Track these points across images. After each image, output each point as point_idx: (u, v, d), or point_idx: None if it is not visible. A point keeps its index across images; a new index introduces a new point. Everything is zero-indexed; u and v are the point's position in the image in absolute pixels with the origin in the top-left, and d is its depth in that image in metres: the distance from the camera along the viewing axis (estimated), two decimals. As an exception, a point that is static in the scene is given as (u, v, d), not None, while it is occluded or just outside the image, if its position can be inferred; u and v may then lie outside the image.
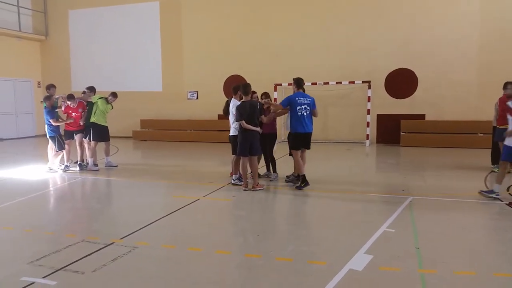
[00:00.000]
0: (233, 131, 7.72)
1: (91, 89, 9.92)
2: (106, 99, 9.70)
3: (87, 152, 9.66)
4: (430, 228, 5.19)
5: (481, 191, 6.73)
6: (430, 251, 4.36)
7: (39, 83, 18.58)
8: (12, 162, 11.06)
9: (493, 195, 6.48)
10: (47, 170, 9.33)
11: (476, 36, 13.41)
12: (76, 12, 18.47)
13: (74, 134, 9.68)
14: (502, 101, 8.91)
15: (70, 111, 9.47)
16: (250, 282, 3.80)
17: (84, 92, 9.96)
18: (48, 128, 9.27)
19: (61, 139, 9.34)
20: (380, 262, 4.06)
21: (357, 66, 14.41)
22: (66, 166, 9.54)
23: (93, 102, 9.63)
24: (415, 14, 13.92)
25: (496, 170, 8.89)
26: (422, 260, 4.13)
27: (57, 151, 9.34)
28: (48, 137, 9.37)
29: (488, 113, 9.71)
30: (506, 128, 8.72)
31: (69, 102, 9.36)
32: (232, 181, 7.78)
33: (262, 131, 7.56)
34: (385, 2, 14.23)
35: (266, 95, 8.29)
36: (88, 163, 9.64)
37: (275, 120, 8.25)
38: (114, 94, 9.87)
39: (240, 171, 7.64)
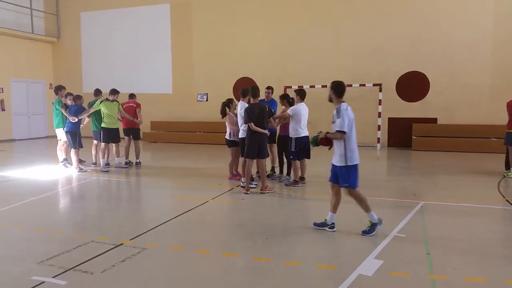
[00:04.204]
0: (241, 134, 7.74)
1: (114, 92, 9.84)
2: (107, 99, 9.70)
3: (100, 153, 9.79)
4: (441, 233, 5.12)
5: (314, 223, 5.33)
6: (441, 257, 4.30)
7: (51, 84, 18.77)
8: (24, 162, 11.20)
9: (326, 228, 5.15)
10: (77, 171, 9.46)
11: (490, 38, 13.23)
12: (87, 14, 18.68)
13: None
14: (510, 105, 8.81)
15: None
16: (258, 285, 3.77)
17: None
18: (70, 124, 9.41)
19: (79, 137, 9.47)
20: (390, 268, 4.02)
21: (368, 69, 14.33)
22: (126, 162, 10.28)
23: (97, 109, 9.62)
24: (428, 16, 13.80)
25: (508, 175, 8.75)
26: (433, 266, 4.07)
27: (76, 149, 9.48)
28: (66, 132, 9.50)
29: (502, 117, 9.56)
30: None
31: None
32: (241, 184, 7.77)
33: (278, 134, 7.75)
34: (397, 4, 14.13)
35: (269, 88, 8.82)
36: (133, 162, 10.30)
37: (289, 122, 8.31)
38: (113, 91, 9.76)
39: (242, 172, 7.68)
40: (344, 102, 5.05)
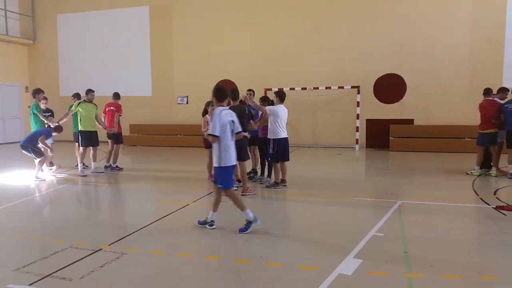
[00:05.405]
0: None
1: (88, 92, 9.71)
2: (85, 101, 9.58)
3: (78, 157, 9.64)
4: (419, 232, 5.23)
5: (198, 221, 5.50)
6: (418, 255, 4.40)
7: (27, 87, 18.38)
8: (-1, 167, 10.91)
9: (207, 226, 5.35)
10: (34, 179, 8.99)
11: (466, 42, 13.61)
12: (65, 16, 18.35)
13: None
14: (482, 107, 9.11)
15: None
16: (240, 288, 3.79)
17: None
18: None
19: (32, 150, 8.93)
20: (369, 267, 4.09)
21: (346, 72, 14.53)
22: (106, 167, 10.08)
23: (75, 111, 9.50)
24: (407, 20, 14.08)
25: (473, 172, 9.04)
26: (410, 264, 4.16)
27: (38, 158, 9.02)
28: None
29: (476, 118, 9.81)
30: (489, 133, 8.93)
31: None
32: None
33: (258, 135, 7.96)
34: (377, 9, 14.38)
35: (250, 91, 8.66)
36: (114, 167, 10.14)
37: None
38: (87, 91, 9.64)
39: None
40: (221, 106, 5.24)
